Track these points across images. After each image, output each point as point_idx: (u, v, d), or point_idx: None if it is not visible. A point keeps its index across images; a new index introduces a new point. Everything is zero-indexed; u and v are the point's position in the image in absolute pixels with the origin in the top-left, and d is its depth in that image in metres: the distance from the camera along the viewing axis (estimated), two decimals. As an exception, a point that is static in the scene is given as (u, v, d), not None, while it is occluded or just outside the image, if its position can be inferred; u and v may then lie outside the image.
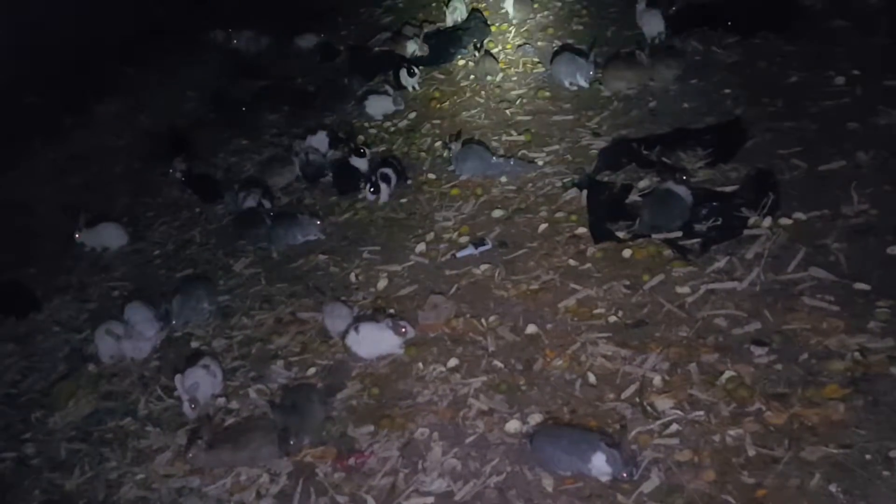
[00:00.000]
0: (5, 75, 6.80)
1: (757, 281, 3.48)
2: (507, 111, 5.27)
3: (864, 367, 2.98)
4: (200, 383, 3.62)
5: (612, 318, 3.53)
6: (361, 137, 5.44)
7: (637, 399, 3.14)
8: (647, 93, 5.00)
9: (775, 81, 4.71)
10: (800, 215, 3.73)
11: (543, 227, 4.18)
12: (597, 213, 4.12)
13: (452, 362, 3.54)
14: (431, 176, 4.86)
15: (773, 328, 3.25)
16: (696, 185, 4.06)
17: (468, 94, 5.60)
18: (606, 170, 4.42)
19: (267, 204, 4.89)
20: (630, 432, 3.00)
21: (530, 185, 4.53)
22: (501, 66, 5.77)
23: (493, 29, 6.30)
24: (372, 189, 4.67)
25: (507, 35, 6.19)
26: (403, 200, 4.72)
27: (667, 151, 4.38)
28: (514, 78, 5.63)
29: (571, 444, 2.93)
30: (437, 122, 5.39)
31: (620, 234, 3.96)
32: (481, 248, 4.14)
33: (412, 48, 6.20)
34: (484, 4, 6.70)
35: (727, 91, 4.76)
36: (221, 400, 3.69)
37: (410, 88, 5.79)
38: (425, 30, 6.52)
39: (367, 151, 5.01)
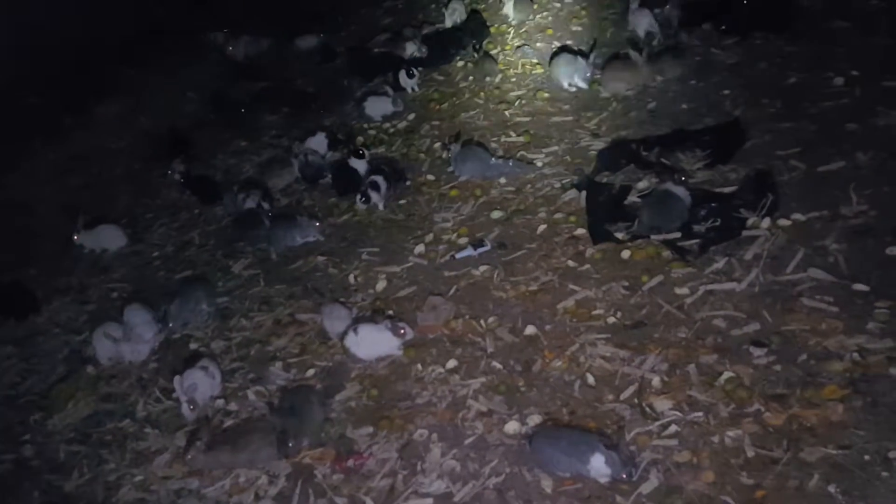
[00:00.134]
0: (5, 75, 6.80)
1: (756, 282, 3.48)
2: (506, 112, 5.27)
3: (863, 367, 2.98)
4: (199, 384, 3.61)
5: (611, 319, 3.53)
6: (360, 139, 5.44)
7: (636, 400, 3.14)
8: (646, 94, 5.00)
9: (774, 82, 4.71)
10: (799, 216, 3.73)
11: (542, 228, 4.18)
12: (596, 214, 4.12)
13: (451, 363, 3.54)
14: (430, 177, 4.86)
15: (772, 329, 3.25)
16: (695, 186, 4.06)
17: (467, 96, 5.60)
18: (605, 171, 4.41)
19: (266, 205, 4.89)
20: (629, 433, 3.01)
21: (529, 186, 4.53)
22: (500, 67, 5.77)
23: (492, 30, 6.30)
24: (363, 199, 4.64)
25: (506, 36, 6.19)
26: (402, 202, 4.72)
27: (666, 152, 4.38)
28: (513, 79, 5.63)
29: (570, 445, 2.93)
30: (436, 123, 5.39)
31: (619, 235, 3.96)
32: (480, 250, 4.14)
33: (411, 49, 6.19)
34: (483, 6, 6.70)
35: (726, 92, 4.76)
36: (220, 401, 3.69)
37: (409, 90, 5.79)
38: (424, 31, 6.52)
39: (366, 153, 5.00)
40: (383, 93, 5.74)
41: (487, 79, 5.68)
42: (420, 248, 4.29)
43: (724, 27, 5.24)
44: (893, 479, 2.61)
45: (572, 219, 4.18)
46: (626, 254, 3.86)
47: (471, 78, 5.79)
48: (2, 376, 4.30)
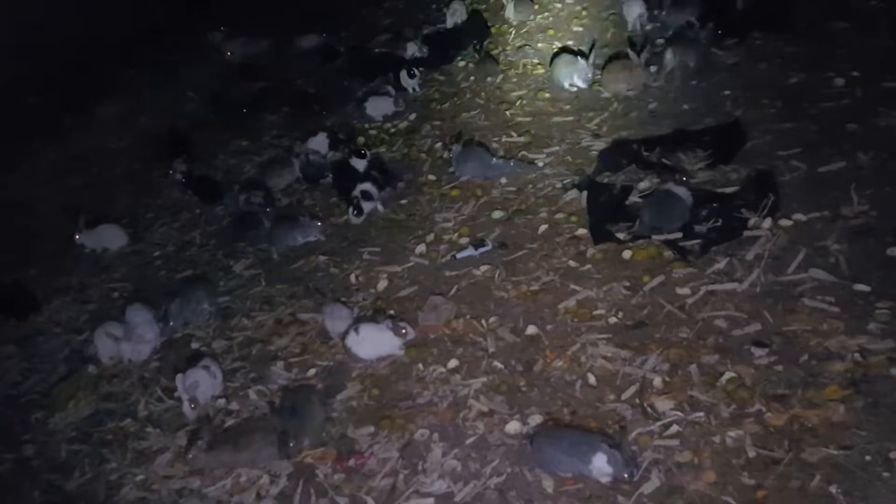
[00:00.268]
0: (6, 75, 6.80)
1: (757, 282, 3.48)
2: (507, 112, 5.27)
3: (865, 368, 2.98)
4: (200, 382, 3.61)
5: (613, 320, 3.53)
6: (362, 139, 5.44)
7: (637, 400, 3.14)
8: (646, 94, 5.00)
9: (775, 83, 4.72)
10: (800, 216, 3.73)
11: (543, 228, 4.18)
12: (597, 214, 4.13)
13: (452, 363, 3.54)
14: (431, 177, 4.86)
15: (774, 329, 3.25)
16: (696, 186, 4.07)
17: (468, 96, 5.61)
18: (606, 171, 4.42)
19: (267, 205, 4.89)
20: (630, 433, 3.01)
21: (530, 186, 4.53)
22: (501, 67, 5.78)
23: (493, 30, 6.31)
24: (355, 212, 4.60)
25: (507, 37, 6.20)
26: (403, 202, 4.72)
27: (667, 153, 4.38)
28: (514, 79, 5.64)
29: (572, 445, 2.93)
30: (437, 123, 5.40)
31: (620, 236, 3.96)
32: (481, 250, 4.14)
33: (412, 50, 6.20)
34: (484, 6, 6.71)
35: (727, 92, 4.77)
36: (221, 401, 3.69)
37: (410, 90, 5.80)
38: (425, 31, 6.52)
39: (368, 153, 5.01)
40: (384, 93, 5.75)
41: (488, 79, 5.69)
42: (421, 248, 4.29)
43: (720, 31, 5.24)
44: (894, 479, 2.61)
45: (573, 219, 4.18)
46: (627, 254, 3.86)
47: (472, 78, 5.79)
48: (3, 376, 4.29)
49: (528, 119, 5.13)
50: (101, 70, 7.04)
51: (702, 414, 3.00)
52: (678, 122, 4.66)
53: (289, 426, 3.37)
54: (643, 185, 4.24)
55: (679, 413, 3.03)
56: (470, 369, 3.50)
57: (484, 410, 3.29)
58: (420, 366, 3.58)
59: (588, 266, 3.86)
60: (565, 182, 4.45)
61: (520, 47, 5.96)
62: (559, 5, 6.41)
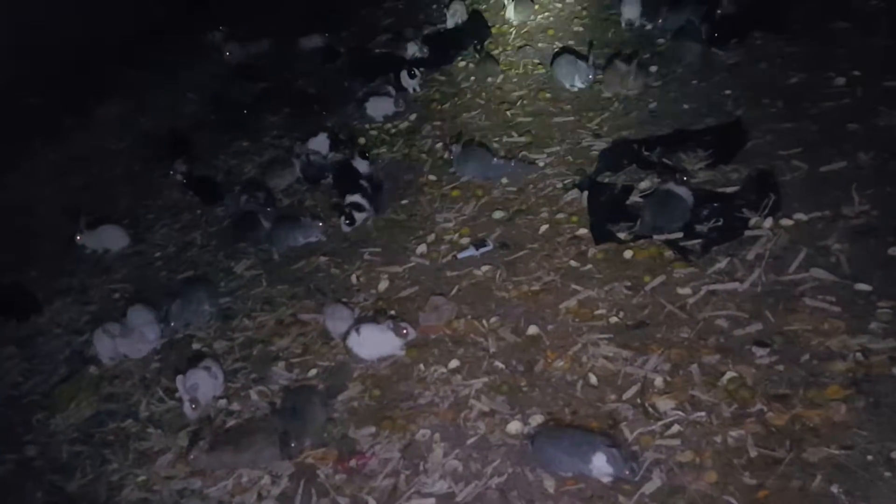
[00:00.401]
0: (6, 76, 6.80)
1: (758, 282, 3.48)
2: (508, 112, 5.27)
3: (866, 367, 2.98)
4: (200, 382, 3.62)
5: (614, 319, 3.53)
6: (362, 139, 5.44)
7: (638, 400, 3.14)
8: (647, 94, 5.00)
9: (776, 82, 4.72)
10: (801, 216, 3.73)
11: (544, 228, 4.19)
12: (598, 214, 4.13)
13: (453, 363, 3.55)
14: (432, 177, 4.86)
15: (775, 329, 3.25)
16: (697, 186, 4.07)
17: (469, 96, 5.60)
18: (607, 171, 4.42)
19: (268, 206, 4.89)
20: (631, 433, 3.01)
21: (531, 186, 4.53)
22: (502, 67, 5.77)
23: (493, 31, 6.31)
24: (347, 221, 4.56)
25: (508, 37, 6.20)
26: (404, 202, 4.72)
27: (667, 152, 4.38)
28: (515, 79, 5.64)
29: (572, 445, 2.94)
30: (438, 123, 5.39)
31: (621, 236, 3.96)
32: (482, 250, 4.14)
33: (413, 50, 6.19)
34: (484, 6, 6.71)
35: (727, 92, 4.77)
36: (223, 402, 3.69)
37: (411, 90, 5.79)
38: (426, 31, 6.52)
39: (369, 155, 5.03)
40: (385, 93, 5.74)
41: (489, 79, 5.69)
42: (422, 249, 4.29)
43: (716, 34, 5.24)
44: (896, 479, 2.61)
45: (574, 219, 4.18)
46: (628, 254, 3.86)
47: (472, 78, 5.79)
48: (4, 377, 4.30)
49: (529, 119, 5.13)
50: (102, 71, 7.04)
51: (703, 414, 3.01)
52: (679, 121, 4.66)
53: (290, 427, 3.38)
54: (644, 184, 4.23)
55: (680, 413, 3.03)
56: (471, 369, 3.50)
57: (485, 410, 3.29)
58: (421, 366, 3.59)
59: (589, 266, 3.86)
60: (566, 182, 4.45)
61: (520, 47, 5.96)
62: (559, 5, 6.40)
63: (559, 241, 4.08)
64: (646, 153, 4.43)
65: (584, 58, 5.29)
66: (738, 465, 2.80)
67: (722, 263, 3.63)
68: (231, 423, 3.58)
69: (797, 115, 4.38)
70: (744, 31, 5.21)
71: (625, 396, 3.17)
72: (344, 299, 4.07)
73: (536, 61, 5.73)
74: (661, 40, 5.46)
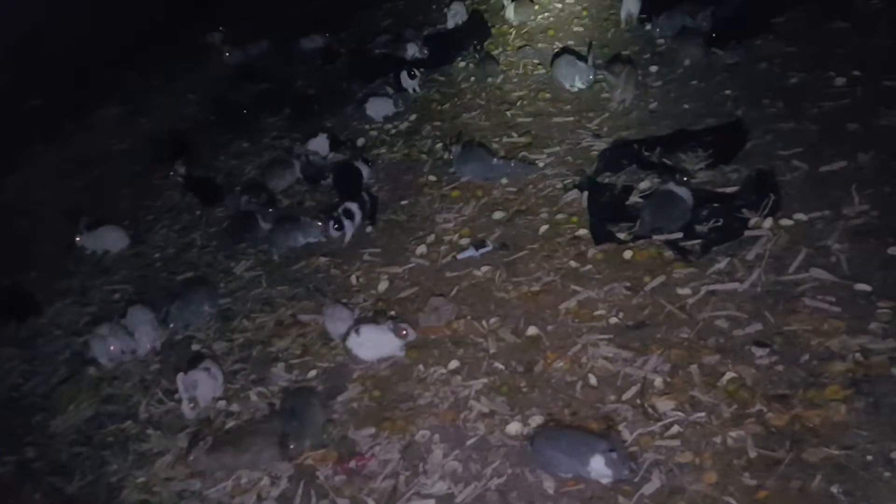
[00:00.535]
0: (6, 79, 6.81)
1: (758, 282, 3.47)
2: (508, 113, 5.27)
3: (866, 368, 2.98)
4: (199, 381, 3.62)
5: (613, 320, 3.53)
6: (362, 140, 5.44)
7: (638, 401, 3.14)
8: (647, 94, 5.00)
9: (776, 82, 4.71)
10: (800, 216, 3.73)
11: (544, 228, 4.18)
12: (597, 214, 4.12)
13: (453, 364, 3.54)
14: (432, 178, 4.86)
15: (774, 329, 3.24)
16: (697, 186, 4.07)
17: (469, 96, 5.61)
18: (607, 171, 4.42)
19: (268, 207, 4.89)
20: (631, 434, 3.00)
21: (531, 186, 4.52)
22: (502, 68, 5.77)
23: (493, 31, 6.31)
24: (336, 227, 4.49)
25: (508, 37, 6.20)
26: (404, 202, 4.72)
27: (667, 153, 4.38)
28: (515, 80, 5.64)
29: (570, 446, 2.93)
30: (438, 124, 5.40)
31: (621, 236, 3.96)
32: (482, 250, 4.14)
33: (412, 50, 6.20)
34: (484, 7, 6.71)
35: (727, 92, 4.77)
36: (222, 403, 3.69)
37: (411, 91, 5.79)
38: (425, 32, 6.52)
39: (370, 158, 5.05)
40: (384, 94, 5.75)
41: (489, 80, 5.69)
42: (422, 249, 4.29)
43: (714, 34, 5.24)
44: (896, 479, 2.61)
45: (574, 219, 4.18)
46: (628, 254, 3.85)
47: (472, 79, 5.80)
48: (4, 378, 4.30)
49: (529, 119, 5.13)
50: (102, 72, 7.05)
51: (703, 414, 3.00)
52: (679, 122, 4.65)
53: (290, 428, 3.37)
54: (644, 185, 4.23)
55: (680, 413, 3.03)
56: (471, 370, 3.50)
57: (485, 411, 3.29)
58: (421, 367, 3.58)
59: (589, 266, 3.86)
60: (566, 182, 4.45)
61: (520, 48, 5.96)
62: (559, 6, 6.41)
63: (559, 241, 4.08)
64: (646, 153, 4.43)
65: (584, 58, 5.29)
66: (738, 465, 2.80)
67: (722, 264, 3.62)
68: (230, 424, 3.58)
69: (797, 116, 4.37)
70: (744, 31, 5.21)
71: (624, 397, 3.17)
72: (344, 300, 4.07)
73: (536, 62, 5.73)
74: (660, 41, 5.45)
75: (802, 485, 2.67)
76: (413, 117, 5.55)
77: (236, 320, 4.21)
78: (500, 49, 6.06)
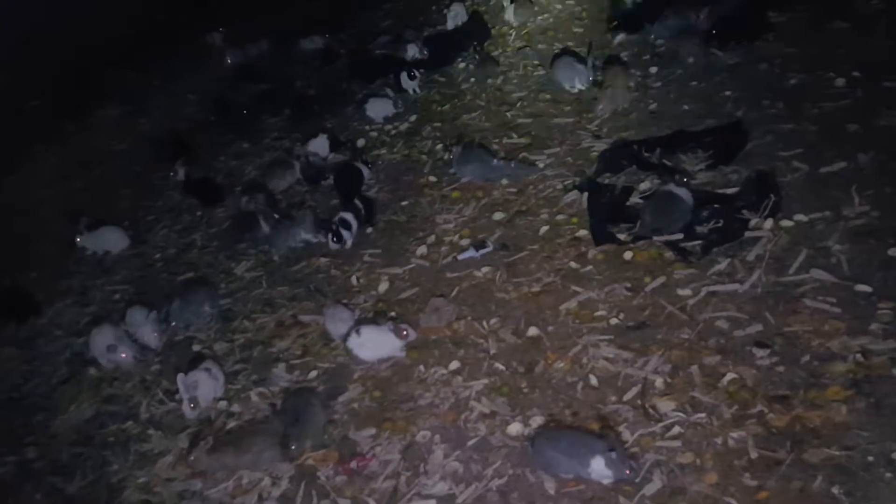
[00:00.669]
0: (6, 79, 6.81)
1: (758, 283, 3.48)
2: (508, 114, 5.28)
3: (866, 368, 2.98)
4: (200, 381, 3.62)
5: (614, 321, 3.53)
6: (362, 140, 5.44)
7: (639, 401, 3.14)
8: (647, 95, 5.01)
9: (776, 83, 4.72)
10: (801, 217, 3.73)
11: (544, 229, 4.18)
12: (598, 215, 4.13)
13: (454, 365, 3.54)
14: (432, 179, 4.87)
15: (775, 330, 3.24)
16: (697, 187, 4.07)
17: (469, 97, 5.61)
18: (607, 172, 4.42)
19: (268, 207, 4.89)
20: (632, 435, 3.00)
21: (531, 187, 4.53)
22: (501, 69, 5.78)
23: (493, 32, 6.32)
24: (335, 238, 4.46)
25: (508, 38, 6.21)
26: (404, 203, 4.72)
27: (667, 154, 4.38)
28: (515, 81, 5.65)
29: (571, 446, 2.92)
30: (438, 124, 5.40)
31: (621, 237, 3.96)
32: (482, 251, 4.14)
33: (412, 51, 6.21)
34: (484, 8, 6.71)
35: (727, 93, 4.77)
36: (223, 403, 3.68)
37: (411, 91, 5.80)
38: (426, 33, 6.53)
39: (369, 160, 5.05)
40: (384, 95, 5.75)
41: (489, 80, 5.70)
42: (422, 250, 4.29)
43: (714, 31, 5.25)
44: (897, 479, 2.61)
45: (574, 220, 4.18)
46: (628, 255, 3.86)
47: (472, 80, 5.81)
48: (4, 378, 4.29)
49: (529, 120, 5.14)
50: (102, 73, 7.05)
51: (703, 415, 3.00)
52: (679, 122, 4.66)
53: (290, 428, 3.37)
54: (644, 186, 4.24)
55: (681, 414, 3.03)
56: (471, 371, 3.50)
57: (485, 412, 3.29)
58: (421, 367, 3.58)
59: (589, 267, 3.86)
60: (566, 183, 4.46)
61: (520, 49, 5.96)
62: (559, 7, 6.42)
63: (559, 242, 4.08)
64: (646, 154, 4.43)
65: (584, 59, 5.29)
66: (739, 466, 2.80)
67: (722, 265, 3.63)
68: (231, 424, 3.58)
69: (797, 116, 4.38)
70: (744, 31, 5.21)
71: (625, 398, 3.17)
72: (344, 301, 4.07)
73: (536, 63, 5.73)
74: (660, 41, 5.45)
75: (803, 485, 2.67)
76: (413, 118, 5.55)
77: (237, 321, 4.21)
78: (500, 50, 6.07)
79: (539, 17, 6.34)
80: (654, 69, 5.20)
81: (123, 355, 4.05)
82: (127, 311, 4.29)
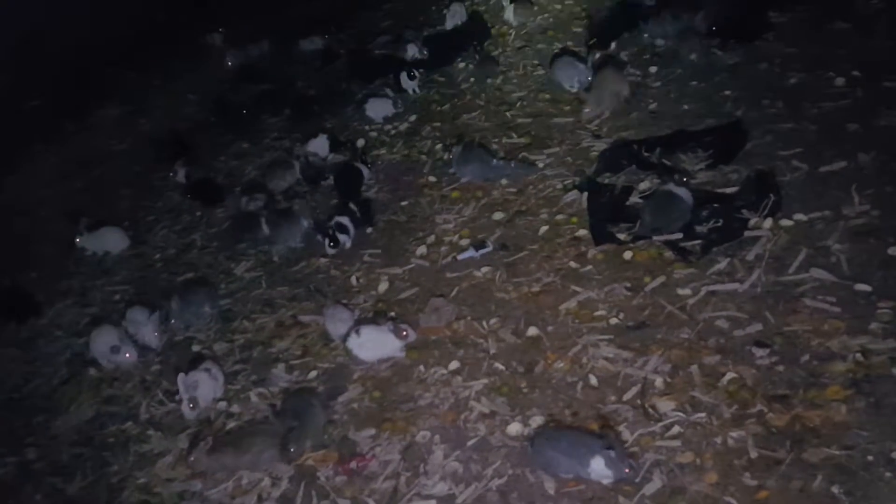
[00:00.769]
0: (6, 79, 6.81)
1: (758, 282, 3.47)
2: (507, 114, 5.27)
3: (866, 368, 2.98)
4: (200, 382, 3.62)
5: (614, 320, 3.53)
6: (362, 140, 5.44)
7: (639, 401, 3.14)
8: (647, 95, 5.00)
9: (775, 83, 4.71)
10: (801, 216, 3.73)
11: (544, 229, 4.18)
12: (597, 215, 4.13)
13: (454, 365, 3.54)
14: (432, 179, 4.87)
15: (775, 330, 3.24)
16: (697, 186, 4.07)
17: (468, 97, 5.61)
18: (607, 172, 4.42)
19: (268, 207, 4.89)
20: (632, 434, 3.00)
21: (531, 187, 4.53)
22: (501, 68, 5.78)
23: (492, 32, 6.31)
24: (332, 244, 4.44)
25: (507, 38, 6.20)
26: (404, 203, 4.72)
27: (667, 153, 4.38)
28: (514, 80, 5.64)
29: (570, 446, 2.92)
30: (438, 124, 5.40)
31: (621, 236, 3.96)
32: (482, 251, 4.14)
33: (412, 51, 6.20)
34: (484, 7, 6.71)
35: (727, 92, 4.77)
36: (223, 404, 3.68)
37: (411, 91, 5.80)
38: (425, 33, 6.53)
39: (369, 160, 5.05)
40: (384, 95, 5.75)
41: (488, 80, 5.70)
42: (422, 250, 4.29)
43: (713, 27, 5.25)
44: (897, 479, 2.61)
45: (574, 220, 4.18)
46: (628, 255, 3.86)
47: (472, 79, 5.80)
48: (5, 379, 4.29)
49: (529, 120, 5.14)
50: (102, 73, 7.05)
51: (703, 415, 3.00)
52: (678, 122, 4.66)
53: (290, 429, 3.37)
54: (644, 185, 4.23)
55: (680, 414, 3.03)
56: (471, 371, 3.50)
57: (485, 412, 3.29)
58: (421, 368, 3.58)
59: (589, 267, 3.86)
60: (566, 183, 4.45)
61: (520, 48, 5.96)
62: (559, 7, 6.41)
63: (559, 242, 4.08)
64: (645, 154, 4.43)
65: (584, 59, 5.29)
66: (739, 465, 2.80)
67: (722, 264, 3.62)
68: (231, 425, 3.58)
69: (797, 116, 4.37)
70: (744, 30, 5.21)
71: (625, 397, 3.17)
72: (344, 301, 4.07)
73: (536, 62, 5.73)
74: (660, 41, 5.45)
75: (803, 485, 2.67)
76: (413, 118, 5.55)
77: (237, 321, 4.21)
78: (500, 50, 6.07)
79: (538, 17, 6.33)
80: (653, 69, 5.19)
81: (128, 355, 4.05)
82: (127, 311, 4.29)
